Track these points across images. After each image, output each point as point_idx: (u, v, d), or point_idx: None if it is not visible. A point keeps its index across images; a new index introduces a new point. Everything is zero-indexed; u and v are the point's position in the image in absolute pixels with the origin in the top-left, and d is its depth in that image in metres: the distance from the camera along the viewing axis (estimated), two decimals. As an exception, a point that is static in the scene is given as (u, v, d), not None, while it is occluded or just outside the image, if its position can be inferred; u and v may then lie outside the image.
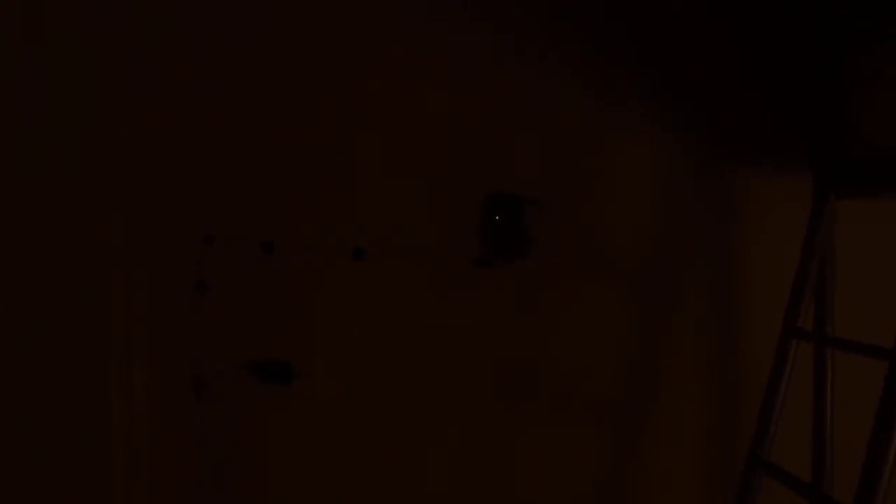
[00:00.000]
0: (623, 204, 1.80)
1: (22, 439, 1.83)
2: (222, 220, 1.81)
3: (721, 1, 1.77)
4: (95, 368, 1.82)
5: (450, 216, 1.79)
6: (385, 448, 1.82)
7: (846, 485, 1.29)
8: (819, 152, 1.54)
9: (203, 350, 1.82)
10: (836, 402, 1.57)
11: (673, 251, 1.81)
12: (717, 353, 1.81)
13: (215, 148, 1.81)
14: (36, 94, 1.81)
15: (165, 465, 1.83)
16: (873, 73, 1.43)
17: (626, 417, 1.82)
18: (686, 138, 1.79)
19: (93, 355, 1.82)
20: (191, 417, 1.82)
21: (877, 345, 1.28)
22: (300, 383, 1.81)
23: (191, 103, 1.81)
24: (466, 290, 1.79)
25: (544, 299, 1.80)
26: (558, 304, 1.80)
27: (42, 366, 1.83)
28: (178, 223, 1.81)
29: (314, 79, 1.80)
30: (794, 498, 1.46)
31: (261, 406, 1.82)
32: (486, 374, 1.80)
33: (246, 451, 1.82)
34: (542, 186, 1.78)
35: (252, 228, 1.81)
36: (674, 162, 1.80)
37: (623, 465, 1.82)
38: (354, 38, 1.79)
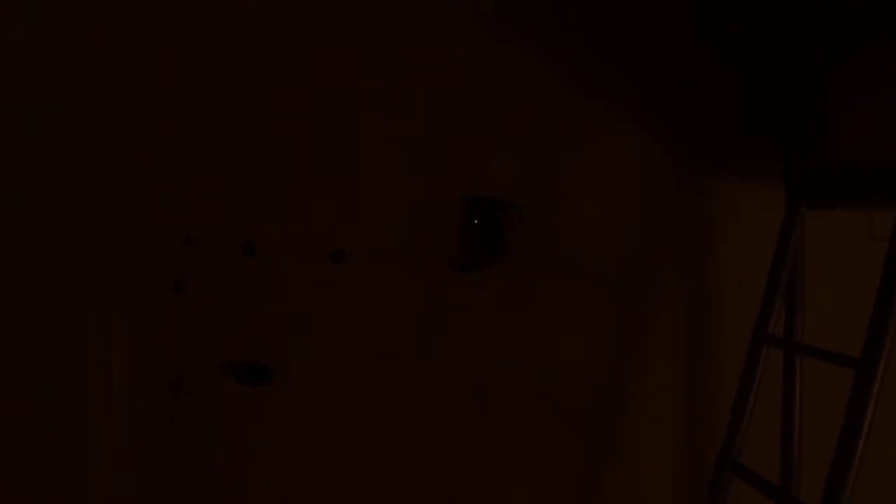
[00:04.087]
0: (600, 208, 1.82)
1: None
2: (203, 219, 1.83)
3: (702, 6, 1.79)
4: (75, 366, 1.85)
5: (429, 219, 1.81)
6: (364, 447, 1.84)
7: (815, 486, 1.30)
8: (793, 161, 1.55)
9: (183, 349, 1.84)
10: (804, 406, 1.60)
11: (649, 255, 1.83)
12: (693, 356, 1.83)
13: (201, 146, 1.83)
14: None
15: (144, 463, 1.86)
16: (853, 80, 1.45)
17: (601, 418, 1.85)
18: (663, 143, 1.81)
19: (72, 352, 1.84)
20: (170, 415, 1.84)
21: (844, 354, 1.31)
22: (280, 383, 1.83)
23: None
24: (445, 293, 1.82)
25: (522, 302, 1.82)
26: (536, 307, 1.82)
27: (21, 364, 1.85)
28: (158, 221, 1.83)
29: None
30: (764, 500, 1.50)
31: (240, 404, 1.84)
32: (464, 375, 1.83)
33: (225, 448, 1.85)
34: (521, 189, 1.80)
35: (232, 229, 1.82)
36: (651, 166, 1.81)
37: (599, 464, 1.85)
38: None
